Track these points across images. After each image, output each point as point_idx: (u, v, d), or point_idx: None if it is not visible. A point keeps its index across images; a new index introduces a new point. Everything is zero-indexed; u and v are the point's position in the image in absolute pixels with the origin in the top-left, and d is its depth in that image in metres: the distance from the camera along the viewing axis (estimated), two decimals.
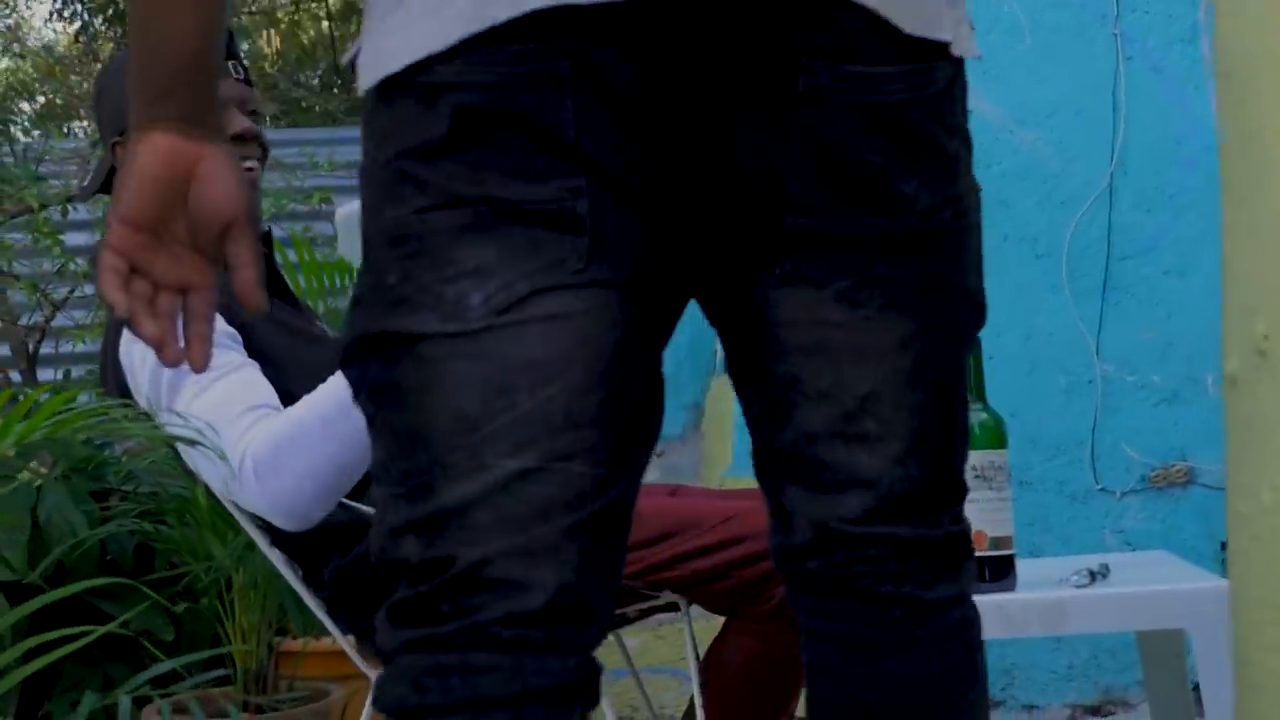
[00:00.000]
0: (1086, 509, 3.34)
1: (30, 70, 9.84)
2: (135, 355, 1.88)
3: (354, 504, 1.89)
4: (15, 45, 9.63)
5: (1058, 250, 3.32)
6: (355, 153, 3.77)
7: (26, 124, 8.49)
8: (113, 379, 1.96)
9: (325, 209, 3.79)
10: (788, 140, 1.04)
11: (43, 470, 2.81)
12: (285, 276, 3.07)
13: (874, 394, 1.10)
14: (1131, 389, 3.35)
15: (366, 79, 1.03)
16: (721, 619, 2.06)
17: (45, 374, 3.94)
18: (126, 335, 1.89)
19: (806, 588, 1.17)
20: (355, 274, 3.01)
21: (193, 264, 1.07)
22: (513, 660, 1.00)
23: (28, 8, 8.78)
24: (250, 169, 1.99)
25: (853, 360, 1.10)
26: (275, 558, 2.00)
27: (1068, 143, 3.34)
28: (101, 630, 2.10)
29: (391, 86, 1.01)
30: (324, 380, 1.88)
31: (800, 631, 1.19)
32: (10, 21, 8.54)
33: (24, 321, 3.85)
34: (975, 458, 1.92)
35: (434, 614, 1.00)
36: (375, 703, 1.04)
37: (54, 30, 9.80)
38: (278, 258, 3.07)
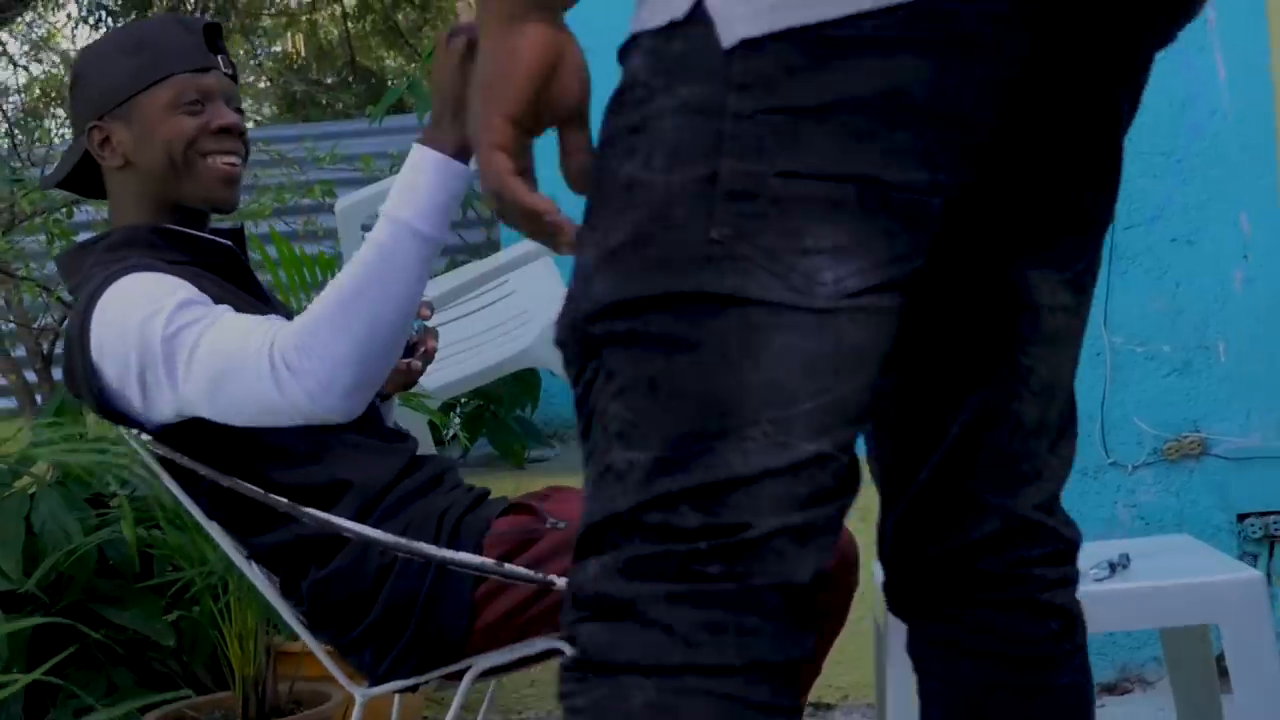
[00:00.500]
0: (1098, 484, 3.28)
1: (63, 75, 9.88)
2: (110, 349, 1.78)
3: (325, 515, 1.82)
4: (46, 54, 9.67)
5: None
6: (358, 146, 3.73)
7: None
8: (85, 386, 1.85)
9: (328, 202, 3.76)
10: (1124, 116, 1.07)
11: (36, 474, 2.79)
12: (285, 273, 3.06)
13: (1067, 387, 1.12)
14: (1141, 360, 3.29)
15: (746, 26, 0.95)
16: None
17: (60, 373, 3.91)
18: (96, 329, 1.78)
19: (968, 594, 1.16)
20: (336, 269, 3.01)
21: (529, 147, 1.03)
22: (779, 627, 0.97)
23: (53, 13, 8.73)
24: (234, 165, 1.95)
25: (1067, 350, 1.11)
26: (254, 575, 1.94)
27: None
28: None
29: (784, 38, 0.94)
30: None
31: (934, 643, 1.19)
32: (42, 32, 8.57)
33: (38, 324, 3.84)
34: None
35: (702, 573, 0.96)
36: (593, 655, 0.98)
37: (73, 40, 9.83)
38: (255, 255, 3.06)
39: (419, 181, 1.64)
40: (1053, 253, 1.10)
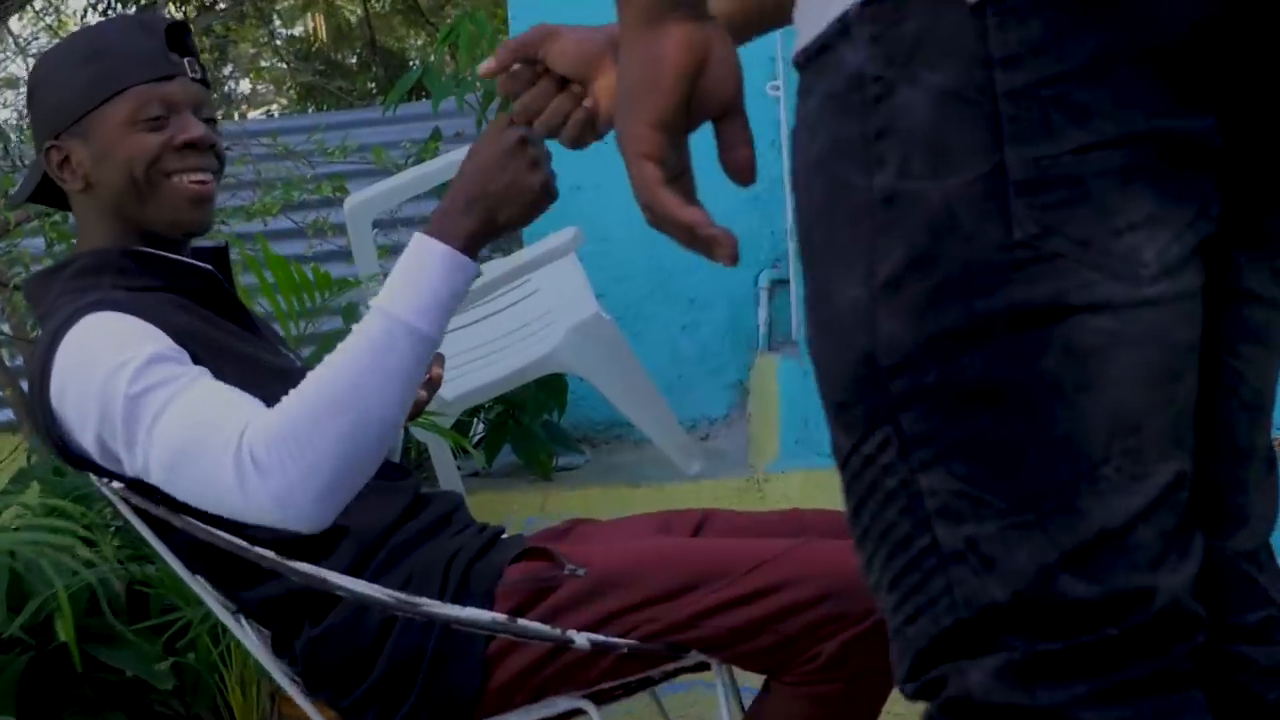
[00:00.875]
0: None
1: None
2: (71, 395, 1.64)
3: (316, 570, 1.65)
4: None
5: None
6: (371, 135, 3.54)
7: None
8: (46, 430, 1.71)
9: (338, 197, 3.58)
10: None
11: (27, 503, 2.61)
12: (282, 296, 2.85)
13: (1272, 401, 0.99)
14: None
15: None
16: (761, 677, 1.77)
17: None
18: (58, 373, 1.64)
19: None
20: (334, 289, 2.82)
21: (684, 145, 0.99)
22: (1193, 699, 0.86)
23: (63, 3, 8.62)
24: (204, 182, 1.78)
25: (1275, 355, 0.98)
26: (243, 634, 1.77)
27: None
28: None
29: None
30: None
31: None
32: (52, 21, 8.44)
33: (37, 333, 3.67)
34: None
35: (1125, 658, 0.84)
36: None
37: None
38: (249, 278, 2.87)
39: (421, 275, 1.51)
40: (1263, 234, 0.94)
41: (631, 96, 0.95)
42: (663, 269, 3.82)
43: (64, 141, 1.78)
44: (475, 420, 3.56)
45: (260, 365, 1.74)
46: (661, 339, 3.81)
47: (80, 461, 1.70)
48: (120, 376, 1.59)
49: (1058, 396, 0.82)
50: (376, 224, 3.47)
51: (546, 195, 1.50)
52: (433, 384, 1.90)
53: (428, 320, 1.50)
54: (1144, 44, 0.82)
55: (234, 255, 2.51)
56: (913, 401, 0.84)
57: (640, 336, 3.70)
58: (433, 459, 3.18)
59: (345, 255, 3.66)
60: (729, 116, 0.98)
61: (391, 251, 3.91)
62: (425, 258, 1.51)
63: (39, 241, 3.79)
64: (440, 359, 1.90)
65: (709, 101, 0.96)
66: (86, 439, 1.65)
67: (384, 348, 1.50)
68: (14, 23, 7.66)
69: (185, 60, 1.79)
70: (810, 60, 0.88)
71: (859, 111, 0.85)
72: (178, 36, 1.81)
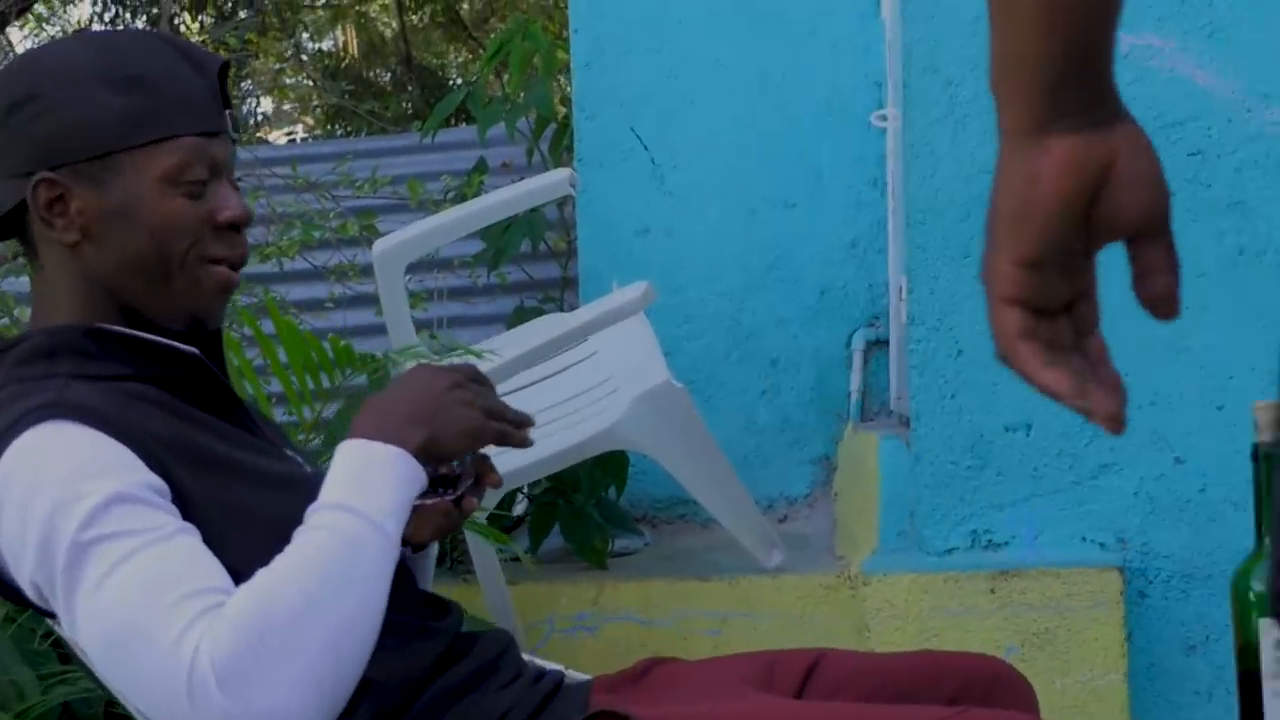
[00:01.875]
0: None
1: None
2: (7, 520, 1.36)
3: None
4: None
5: None
6: (406, 165, 3.22)
7: None
8: None
9: (366, 237, 3.23)
10: None
11: None
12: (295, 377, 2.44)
13: None
14: None
15: None
16: None
17: None
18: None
19: None
20: (356, 365, 2.42)
21: (1084, 268, 0.88)
22: None
23: (65, 11, 8.34)
24: (236, 272, 1.51)
25: None
26: None
27: None
28: None
29: None
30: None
31: None
32: (56, 31, 8.17)
33: None
34: None
35: None
36: None
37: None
38: (257, 358, 2.52)
39: (374, 475, 1.39)
40: None
41: (999, 225, 0.87)
42: (740, 325, 3.44)
43: (64, 178, 1.44)
44: (518, 494, 3.16)
45: (258, 475, 1.46)
46: (737, 405, 3.44)
47: (13, 595, 1.43)
48: (71, 515, 1.33)
49: None
50: (410, 269, 3.10)
51: (477, 438, 1.45)
52: (482, 487, 1.62)
53: (394, 522, 1.38)
54: None
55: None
56: None
57: (712, 402, 3.33)
58: (468, 543, 2.81)
59: (372, 300, 3.33)
60: (1145, 239, 0.87)
61: (425, 298, 3.54)
62: (378, 458, 1.40)
63: (24, 281, 3.48)
64: (490, 465, 1.60)
65: (1115, 223, 0.86)
66: (20, 576, 1.39)
67: (355, 542, 1.36)
68: (15, 33, 7.38)
69: (227, 111, 1.52)
70: None
71: None
72: (223, 80, 1.52)
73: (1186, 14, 2.52)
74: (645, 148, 3.42)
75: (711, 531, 3.21)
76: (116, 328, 1.45)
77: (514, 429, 1.47)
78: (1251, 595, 1.31)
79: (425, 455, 1.42)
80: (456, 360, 1.50)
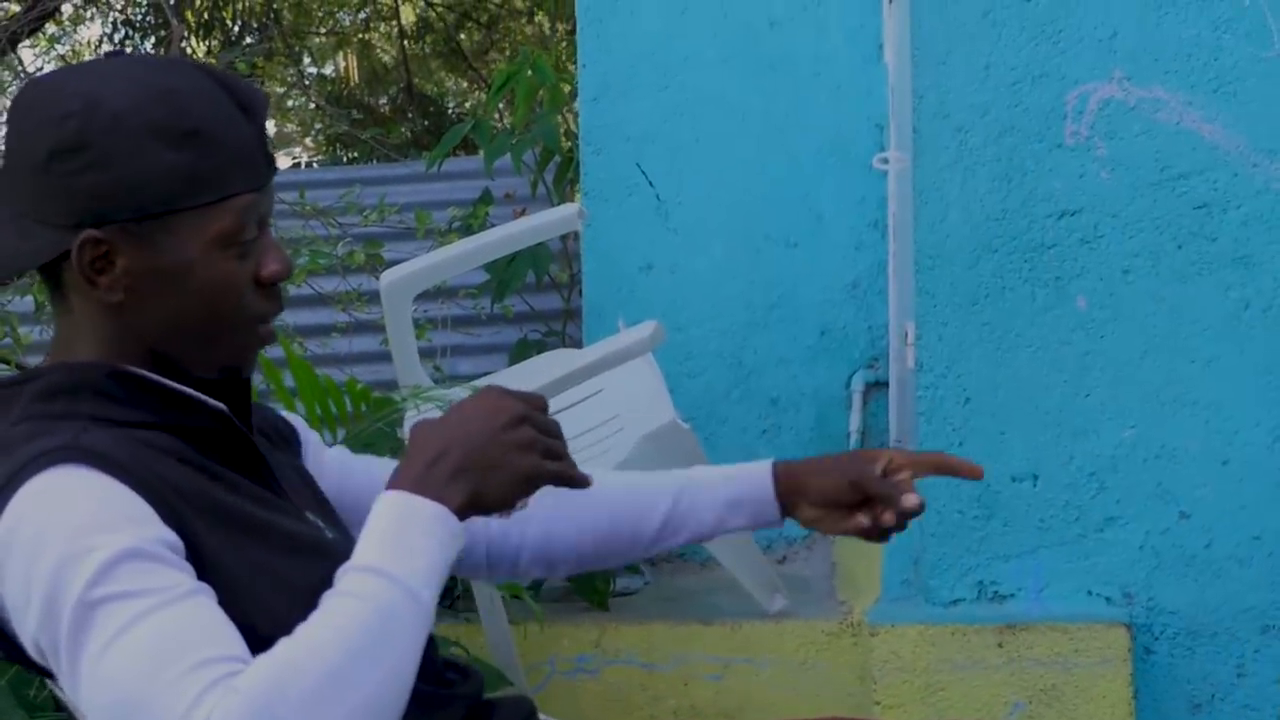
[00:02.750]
0: None
1: None
2: (12, 570, 1.27)
3: None
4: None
5: None
6: (410, 194, 3.10)
7: None
8: None
9: (372, 265, 3.20)
10: None
11: None
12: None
13: None
14: None
15: None
16: None
17: None
18: (3, 531, 1.28)
19: None
20: (372, 407, 2.38)
21: None
22: None
23: (76, 29, 8.30)
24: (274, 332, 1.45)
25: None
26: None
27: None
28: None
29: None
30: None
31: None
32: (65, 50, 8.13)
33: None
34: None
35: None
36: None
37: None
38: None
39: (412, 535, 1.29)
40: None
41: None
42: (743, 364, 3.43)
43: (110, 234, 1.34)
44: None
45: (279, 536, 1.38)
46: (737, 444, 3.41)
47: (13, 650, 1.33)
48: (79, 570, 1.23)
49: None
50: (418, 298, 3.08)
51: (531, 484, 1.32)
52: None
53: (431, 590, 1.28)
54: None
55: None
56: None
57: (712, 440, 3.30)
58: (470, 581, 2.77)
59: (377, 327, 3.31)
60: None
61: (429, 326, 3.53)
62: (420, 515, 1.29)
63: (28, 301, 3.51)
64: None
65: None
66: (22, 630, 1.29)
67: (387, 610, 1.25)
68: (27, 53, 7.33)
69: (267, 161, 1.43)
70: None
71: None
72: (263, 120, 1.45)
73: (1194, 67, 2.51)
74: (651, 184, 3.42)
75: (711, 571, 3.20)
76: (142, 372, 1.39)
77: (573, 469, 1.35)
78: None
79: (471, 509, 1.33)
80: (525, 389, 1.35)
